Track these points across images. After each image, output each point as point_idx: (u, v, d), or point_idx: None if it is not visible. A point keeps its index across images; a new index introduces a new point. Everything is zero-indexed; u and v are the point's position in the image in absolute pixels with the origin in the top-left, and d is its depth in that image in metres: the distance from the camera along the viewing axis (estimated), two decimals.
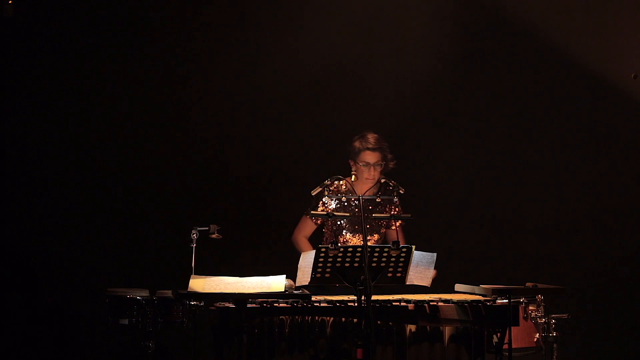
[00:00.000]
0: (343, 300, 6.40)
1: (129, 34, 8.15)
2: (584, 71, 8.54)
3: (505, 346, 6.41)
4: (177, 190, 8.22)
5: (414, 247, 6.17)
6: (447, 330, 6.47)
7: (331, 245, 6.06)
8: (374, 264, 6.11)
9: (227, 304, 6.31)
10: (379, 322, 6.37)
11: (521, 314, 6.67)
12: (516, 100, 8.63)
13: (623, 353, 8.41)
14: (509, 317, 6.42)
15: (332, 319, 6.34)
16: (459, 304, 6.49)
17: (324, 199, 7.11)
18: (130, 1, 8.20)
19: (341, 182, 7.11)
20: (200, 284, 6.21)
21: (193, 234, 6.47)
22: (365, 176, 7.08)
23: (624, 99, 8.53)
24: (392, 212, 7.18)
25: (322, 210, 7.08)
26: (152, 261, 8.00)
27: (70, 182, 8.05)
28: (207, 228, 6.56)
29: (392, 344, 6.41)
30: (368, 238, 7.13)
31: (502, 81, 8.62)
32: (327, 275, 6.11)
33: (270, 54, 8.35)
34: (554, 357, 6.63)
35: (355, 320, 6.23)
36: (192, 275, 6.26)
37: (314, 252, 6.09)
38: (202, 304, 6.28)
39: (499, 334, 6.49)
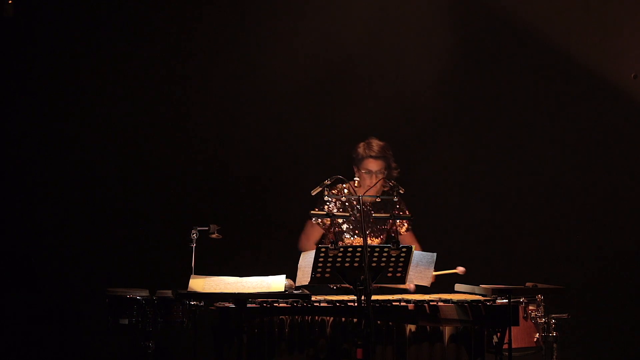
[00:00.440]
0: (343, 300, 6.41)
1: (128, 34, 8.15)
2: (584, 71, 8.54)
3: (505, 346, 6.41)
4: (177, 190, 8.22)
5: (414, 247, 6.17)
6: (447, 330, 6.47)
7: (331, 245, 6.06)
8: (373, 264, 6.11)
9: (227, 304, 6.31)
10: (378, 322, 6.37)
11: (521, 314, 6.67)
12: (516, 100, 8.63)
13: (623, 353, 8.42)
14: (509, 317, 6.42)
15: (332, 318, 6.34)
16: (459, 303, 6.49)
17: (327, 202, 7.08)
18: (130, 1, 8.20)
19: (344, 185, 7.09)
20: (200, 284, 6.21)
21: (193, 234, 6.47)
22: (367, 183, 7.03)
23: (624, 99, 8.53)
24: (398, 224, 7.16)
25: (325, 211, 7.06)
26: (152, 261, 8.00)
27: (70, 182, 8.05)
28: (207, 228, 6.56)
29: (392, 343, 6.41)
30: (369, 242, 7.12)
31: (502, 81, 8.62)
32: (327, 275, 6.11)
33: (270, 54, 8.35)
34: (554, 357, 6.63)
35: (355, 320, 6.23)
36: (192, 275, 6.26)
37: (313, 252, 6.09)
38: (202, 304, 6.28)
39: (499, 334, 6.49)
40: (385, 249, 6.10)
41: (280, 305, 6.33)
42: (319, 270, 6.09)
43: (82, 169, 8.08)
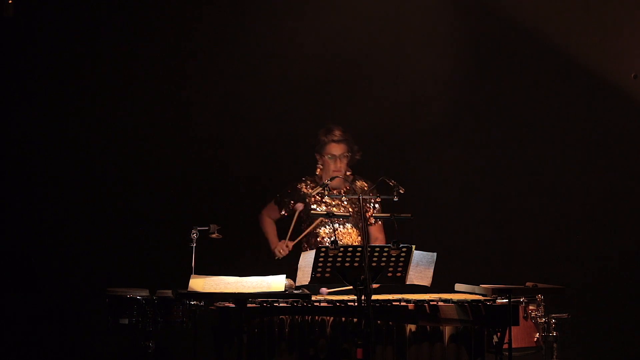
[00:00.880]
0: (343, 300, 6.41)
1: (128, 33, 8.15)
2: (584, 71, 8.53)
3: (505, 346, 6.41)
4: (177, 190, 8.22)
5: (414, 246, 6.17)
6: (447, 330, 6.47)
7: (331, 245, 6.06)
8: (374, 264, 6.11)
9: (227, 304, 6.32)
10: (379, 321, 6.37)
11: (521, 314, 6.67)
12: (516, 100, 8.63)
13: (623, 353, 8.41)
14: (509, 316, 6.42)
15: (332, 318, 6.34)
16: (459, 303, 6.49)
17: (291, 194, 7.24)
18: (130, 1, 8.19)
19: (307, 179, 7.20)
20: (200, 283, 6.21)
21: (193, 233, 6.48)
22: (332, 168, 7.18)
23: (624, 99, 8.53)
24: (369, 210, 7.26)
25: (290, 206, 7.17)
26: (152, 261, 8.00)
27: (70, 182, 8.05)
28: (207, 228, 6.57)
29: (392, 343, 6.41)
30: (349, 232, 7.17)
31: (502, 81, 8.62)
32: (327, 275, 6.12)
33: (270, 54, 8.35)
34: (554, 357, 6.63)
35: (355, 320, 6.23)
36: (192, 275, 6.26)
37: (314, 252, 6.09)
38: (202, 303, 6.28)
39: (499, 334, 6.49)
40: (386, 249, 6.10)
41: (280, 305, 6.33)
42: (319, 270, 6.09)
43: (82, 168, 8.09)
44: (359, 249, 6.06)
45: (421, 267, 6.30)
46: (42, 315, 7.94)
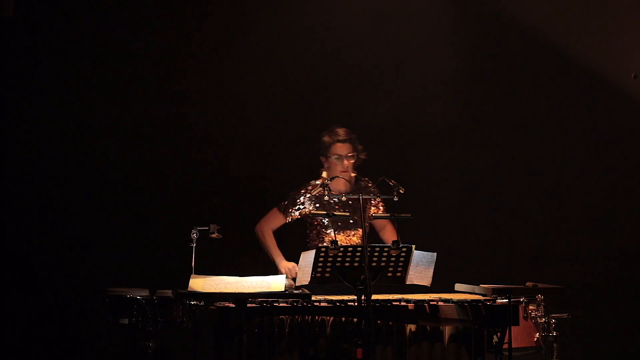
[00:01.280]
0: (343, 300, 6.41)
1: (128, 33, 8.15)
2: (584, 71, 8.53)
3: (505, 346, 6.41)
4: (177, 190, 8.22)
5: (414, 246, 6.17)
6: (447, 330, 6.47)
7: (331, 245, 6.06)
8: (374, 264, 6.11)
9: (227, 304, 6.31)
10: (379, 321, 6.37)
11: (521, 314, 6.67)
12: (516, 100, 8.63)
13: (623, 353, 8.41)
14: (509, 316, 6.42)
15: (332, 318, 6.34)
16: (459, 303, 6.49)
17: (300, 199, 7.14)
18: (130, 1, 8.19)
19: (316, 182, 7.14)
20: (200, 283, 6.21)
21: (193, 233, 6.48)
22: (340, 169, 7.10)
23: (624, 99, 8.53)
24: (374, 210, 7.22)
25: (297, 211, 7.11)
26: (152, 261, 8.00)
27: (71, 181, 8.05)
28: (207, 228, 6.57)
29: (392, 343, 6.41)
30: (353, 233, 7.16)
31: (502, 81, 8.62)
32: (327, 274, 6.11)
33: (270, 54, 8.35)
34: (554, 356, 6.63)
35: (355, 319, 6.23)
36: (192, 275, 6.26)
37: (314, 251, 6.09)
38: (202, 303, 6.28)
39: (499, 334, 6.50)
40: (386, 249, 6.10)
41: (281, 305, 6.33)
42: (319, 270, 6.09)
43: (82, 168, 8.09)
44: (359, 249, 6.06)
45: (421, 267, 6.30)
46: (42, 315, 7.93)
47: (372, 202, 7.27)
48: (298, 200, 7.17)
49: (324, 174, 7.15)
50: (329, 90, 8.43)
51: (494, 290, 6.40)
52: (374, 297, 6.10)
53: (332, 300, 6.41)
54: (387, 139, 8.42)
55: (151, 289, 6.41)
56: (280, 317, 6.31)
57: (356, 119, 8.26)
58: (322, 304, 6.37)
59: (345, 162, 7.13)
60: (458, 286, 6.67)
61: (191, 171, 8.25)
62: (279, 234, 7.32)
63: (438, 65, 8.50)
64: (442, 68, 8.52)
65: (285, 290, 6.25)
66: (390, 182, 6.79)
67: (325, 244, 6.96)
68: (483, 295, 6.54)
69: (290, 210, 7.19)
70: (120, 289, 6.42)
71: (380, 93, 8.52)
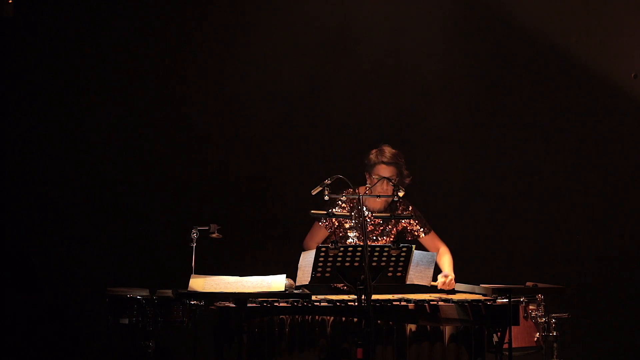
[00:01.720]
0: (343, 300, 6.41)
1: (128, 33, 8.15)
2: (584, 71, 8.53)
3: (506, 345, 6.42)
4: (177, 190, 8.22)
5: (414, 246, 6.17)
6: (448, 330, 6.47)
7: (331, 245, 6.06)
8: (374, 264, 6.11)
9: (227, 304, 6.31)
10: (379, 321, 6.37)
11: (521, 314, 6.67)
12: (516, 99, 8.63)
13: (623, 353, 8.41)
14: (509, 316, 6.42)
15: (332, 318, 6.34)
16: (459, 303, 6.49)
17: (335, 204, 7.08)
18: (131, 1, 8.19)
19: (356, 190, 7.02)
20: (200, 283, 6.21)
21: (193, 233, 6.48)
22: (379, 191, 7.00)
23: (624, 99, 8.53)
24: (408, 227, 7.20)
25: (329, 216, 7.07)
26: (152, 261, 8.00)
27: (71, 181, 8.05)
28: (207, 228, 6.57)
29: (392, 343, 6.41)
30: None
31: (502, 81, 8.62)
32: (327, 274, 6.11)
33: (270, 54, 8.35)
34: (554, 356, 6.63)
35: (355, 319, 6.23)
36: (192, 275, 6.27)
37: (314, 251, 6.09)
38: (202, 303, 6.28)
39: (499, 334, 6.50)
40: (386, 249, 6.10)
41: (281, 305, 6.33)
42: (319, 269, 6.09)
43: (82, 168, 8.09)
44: (359, 248, 6.06)
45: (421, 267, 6.30)
46: (42, 315, 7.93)
47: (405, 222, 7.20)
48: (331, 210, 7.09)
49: (366, 189, 7.02)
50: (329, 90, 8.43)
51: (494, 290, 6.40)
52: (374, 297, 6.10)
53: (332, 300, 6.41)
54: (387, 139, 8.41)
55: (151, 288, 6.41)
56: (281, 317, 6.31)
57: (356, 119, 8.26)
58: (322, 304, 6.37)
59: (385, 184, 7.00)
60: (458, 286, 6.68)
61: (191, 171, 8.25)
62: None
63: (438, 65, 8.51)
64: (443, 68, 8.53)
65: (285, 290, 6.25)
66: (390, 182, 6.80)
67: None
68: (483, 295, 6.54)
69: (327, 221, 7.12)
70: (120, 288, 6.42)
71: (381, 93, 8.52)
